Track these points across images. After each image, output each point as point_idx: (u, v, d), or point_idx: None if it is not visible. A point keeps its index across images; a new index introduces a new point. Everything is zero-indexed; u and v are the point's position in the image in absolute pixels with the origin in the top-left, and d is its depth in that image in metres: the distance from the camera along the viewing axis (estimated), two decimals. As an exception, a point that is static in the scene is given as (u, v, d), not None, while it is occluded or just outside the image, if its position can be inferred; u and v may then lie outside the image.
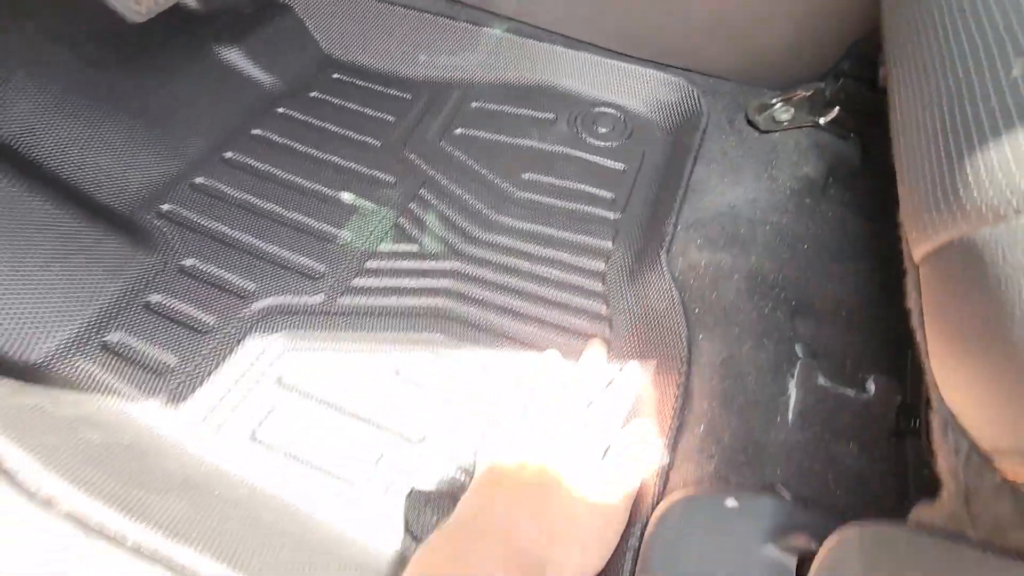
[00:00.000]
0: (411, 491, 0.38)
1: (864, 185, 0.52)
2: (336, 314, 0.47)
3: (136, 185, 0.52)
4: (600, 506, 0.33)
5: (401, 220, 0.53)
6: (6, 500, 0.31)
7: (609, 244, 0.52)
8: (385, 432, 0.41)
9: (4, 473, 0.33)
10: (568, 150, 0.59)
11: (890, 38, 0.40)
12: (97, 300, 0.44)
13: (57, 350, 0.42)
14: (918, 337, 0.25)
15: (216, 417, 0.41)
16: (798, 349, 0.42)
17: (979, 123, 0.22)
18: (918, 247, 0.23)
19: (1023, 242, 0.18)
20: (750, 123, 0.57)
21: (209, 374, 0.42)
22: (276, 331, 0.45)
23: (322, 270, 0.49)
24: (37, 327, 0.42)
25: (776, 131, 0.56)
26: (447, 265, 0.50)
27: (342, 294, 0.48)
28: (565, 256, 0.51)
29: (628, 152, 0.59)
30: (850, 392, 0.38)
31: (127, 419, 0.40)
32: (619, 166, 0.58)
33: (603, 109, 0.63)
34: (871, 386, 0.38)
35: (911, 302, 0.26)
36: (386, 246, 0.51)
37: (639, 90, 0.63)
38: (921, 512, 0.24)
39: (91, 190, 0.50)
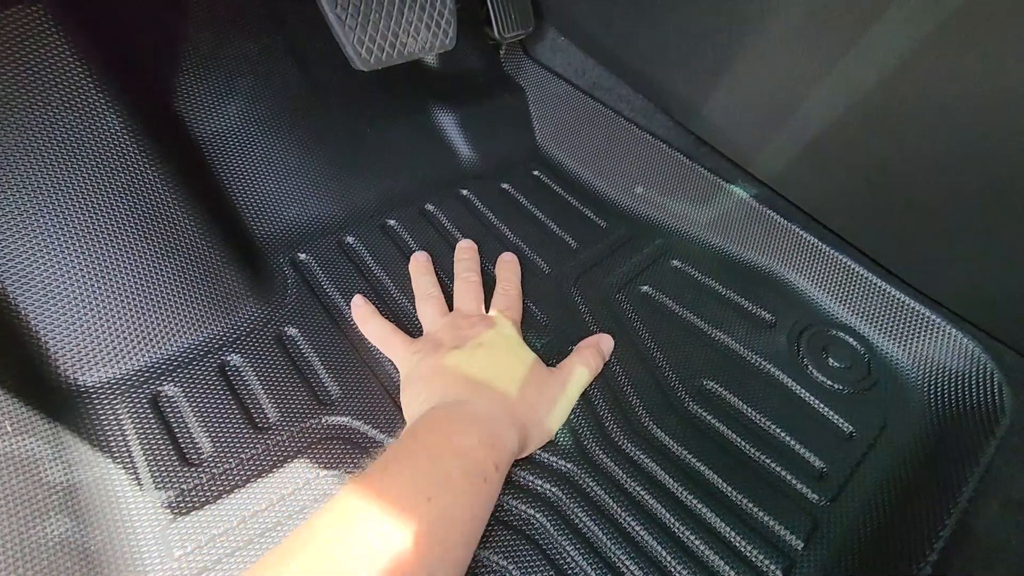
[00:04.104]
0: None
1: None
2: None
3: (285, 223, 0.47)
4: (544, 375, 0.39)
5: (533, 377, 0.42)
6: None
7: (800, 544, 0.35)
8: None
9: None
10: (777, 372, 0.43)
11: None
12: (179, 339, 0.39)
13: (107, 384, 0.36)
14: None
15: (203, 555, 0.31)
16: None
17: None
18: None
19: None
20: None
21: (242, 483, 0.33)
22: (335, 463, 0.35)
23: None
24: (107, 349, 0.37)
25: None
26: (562, 466, 0.37)
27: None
28: (725, 529, 0.35)
29: (863, 410, 0.42)
30: None
31: (106, 505, 0.32)
32: (845, 426, 0.41)
33: (841, 335, 0.46)
34: None
35: None
36: (502, 404, 0.40)
37: (903, 329, 0.46)
38: None
39: (244, 213, 0.46)
